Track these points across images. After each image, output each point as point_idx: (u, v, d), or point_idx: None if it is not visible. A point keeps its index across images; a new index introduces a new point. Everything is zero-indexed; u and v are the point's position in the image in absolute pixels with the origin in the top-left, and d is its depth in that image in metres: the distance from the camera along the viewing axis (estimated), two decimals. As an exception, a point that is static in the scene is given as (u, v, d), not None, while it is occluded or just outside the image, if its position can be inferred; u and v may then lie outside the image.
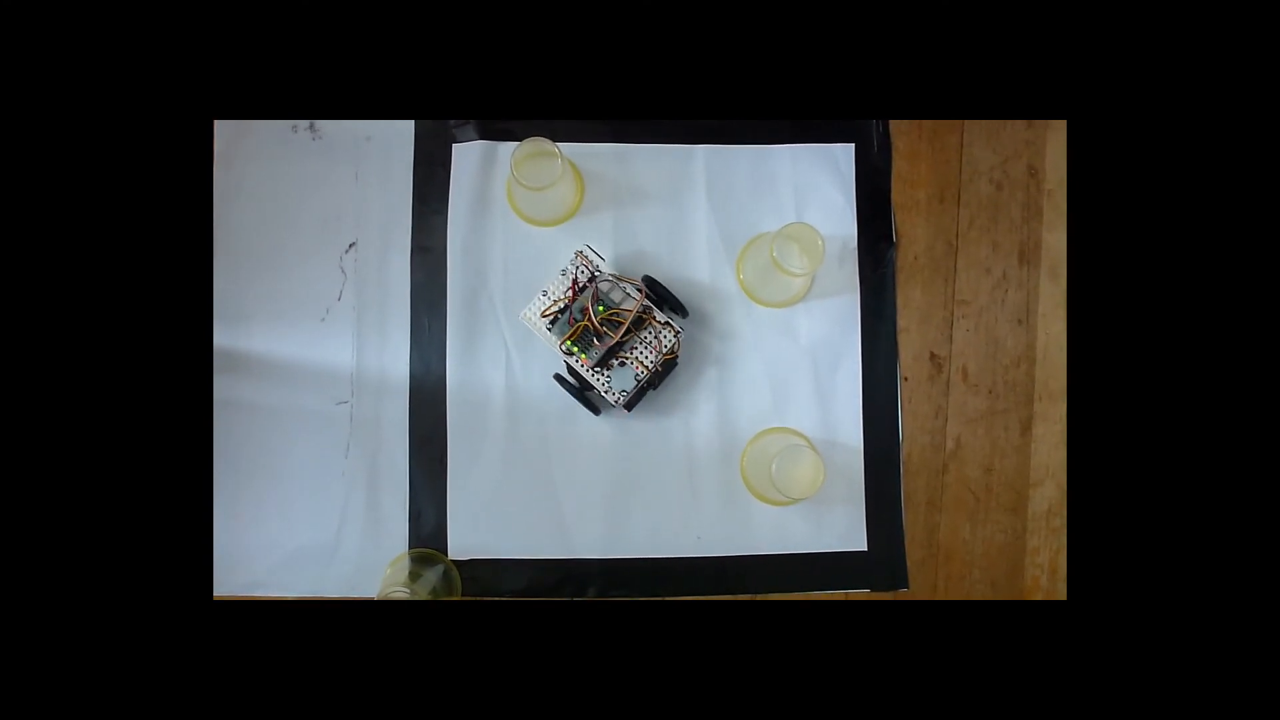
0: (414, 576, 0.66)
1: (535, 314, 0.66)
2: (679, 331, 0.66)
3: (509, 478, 0.69)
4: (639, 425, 0.69)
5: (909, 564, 0.70)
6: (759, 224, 0.70)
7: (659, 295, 0.66)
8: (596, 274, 0.65)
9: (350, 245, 0.70)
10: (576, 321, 0.64)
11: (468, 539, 0.68)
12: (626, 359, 0.65)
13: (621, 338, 0.64)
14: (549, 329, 0.65)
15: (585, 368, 0.65)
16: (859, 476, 0.69)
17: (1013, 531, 0.70)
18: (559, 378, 0.67)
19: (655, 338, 0.65)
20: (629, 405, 0.66)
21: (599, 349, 0.64)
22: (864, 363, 0.70)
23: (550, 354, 0.68)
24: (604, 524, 0.69)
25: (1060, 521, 0.70)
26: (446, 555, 0.68)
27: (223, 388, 0.68)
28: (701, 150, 0.71)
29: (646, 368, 0.65)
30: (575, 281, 0.65)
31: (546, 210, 0.70)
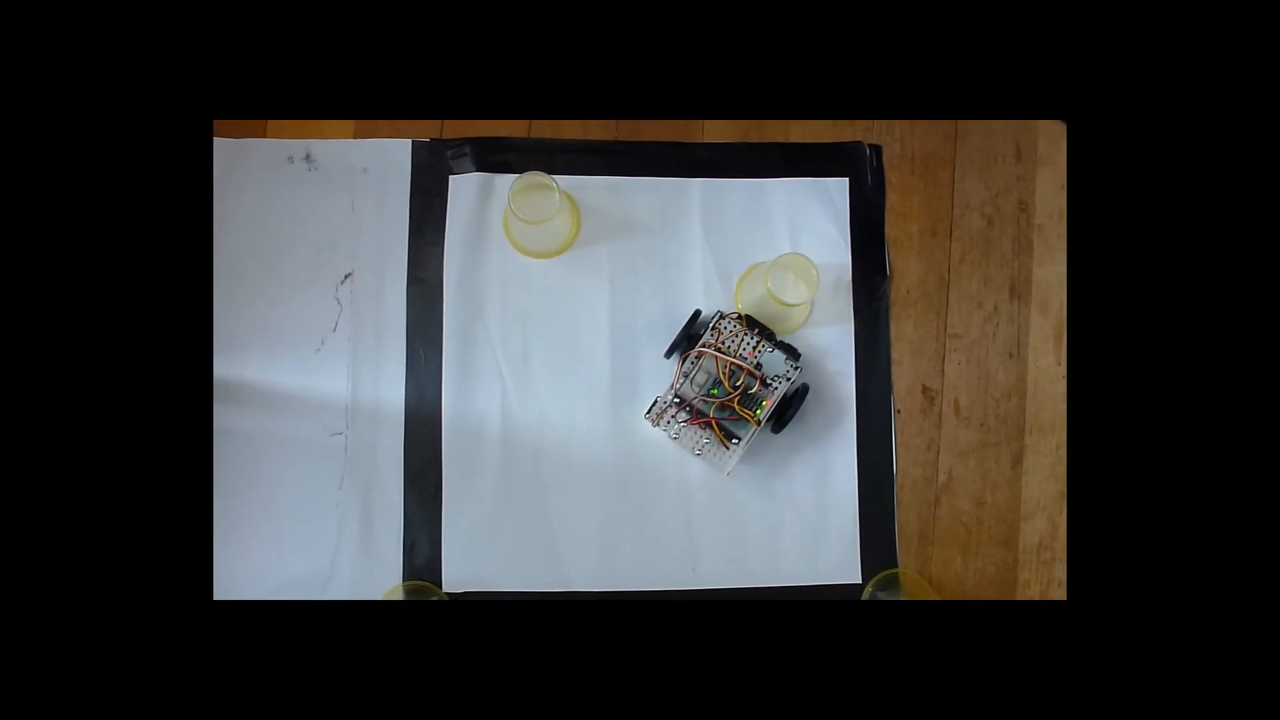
0: (408, 609, 0.66)
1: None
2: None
3: (504, 510, 0.69)
4: (636, 455, 0.69)
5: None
6: (754, 257, 0.71)
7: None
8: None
9: (346, 276, 0.70)
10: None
11: (462, 571, 0.68)
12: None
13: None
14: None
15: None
16: (853, 509, 0.70)
17: (1004, 564, 0.71)
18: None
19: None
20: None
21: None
22: (858, 395, 0.71)
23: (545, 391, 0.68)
24: (599, 556, 0.69)
25: (1050, 555, 0.71)
26: (440, 588, 0.68)
27: (217, 417, 0.67)
28: (697, 184, 0.72)
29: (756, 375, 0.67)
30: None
31: (543, 243, 0.70)
